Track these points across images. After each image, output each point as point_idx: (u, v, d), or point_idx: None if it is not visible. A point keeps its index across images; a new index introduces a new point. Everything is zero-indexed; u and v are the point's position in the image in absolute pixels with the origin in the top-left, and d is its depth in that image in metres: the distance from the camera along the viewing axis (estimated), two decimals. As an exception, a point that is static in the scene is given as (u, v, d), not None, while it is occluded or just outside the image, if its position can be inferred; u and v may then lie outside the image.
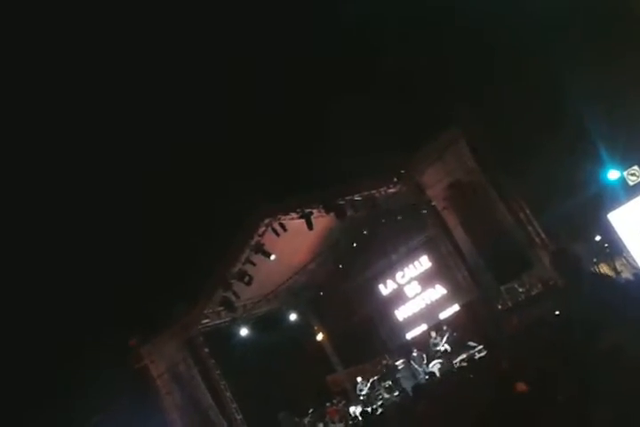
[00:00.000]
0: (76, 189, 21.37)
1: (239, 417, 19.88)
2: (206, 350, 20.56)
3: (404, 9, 17.97)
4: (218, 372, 20.35)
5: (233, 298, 20.15)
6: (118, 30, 20.48)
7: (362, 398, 19.06)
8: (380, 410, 17.94)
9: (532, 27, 15.90)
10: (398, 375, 18.44)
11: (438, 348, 18.01)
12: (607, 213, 15.46)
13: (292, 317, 23.48)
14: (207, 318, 21.01)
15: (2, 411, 19.29)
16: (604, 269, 15.51)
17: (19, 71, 19.90)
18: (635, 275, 14.49)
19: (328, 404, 19.58)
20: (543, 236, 16.27)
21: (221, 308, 20.80)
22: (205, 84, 21.77)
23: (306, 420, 19.15)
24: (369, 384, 19.17)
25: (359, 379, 19.56)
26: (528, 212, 16.43)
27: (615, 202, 15.61)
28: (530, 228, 16.33)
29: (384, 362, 19.69)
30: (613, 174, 15.97)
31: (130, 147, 21.30)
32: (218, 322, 21.37)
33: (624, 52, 15.38)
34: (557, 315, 14.00)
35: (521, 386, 6.00)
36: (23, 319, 20.12)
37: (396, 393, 18.04)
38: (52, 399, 20.02)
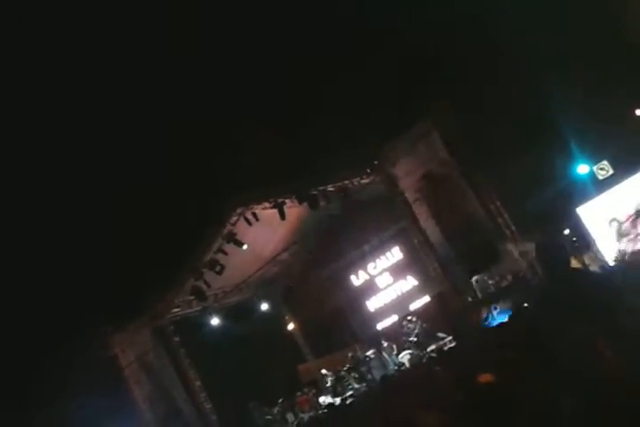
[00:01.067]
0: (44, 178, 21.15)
1: (209, 406, 19.88)
2: (177, 339, 20.51)
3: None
4: (188, 361, 20.31)
5: (204, 287, 20.10)
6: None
7: (331, 388, 19.14)
8: (349, 400, 18.06)
9: (510, 25, 16.00)
10: (368, 366, 18.52)
11: (410, 338, 18.12)
12: (576, 206, 15.69)
13: (264, 306, 23.45)
14: (178, 307, 20.95)
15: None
16: (572, 262, 15.69)
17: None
18: (601, 267, 14.72)
19: (298, 393, 19.62)
20: (513, 228, 16.42)
21: (192, 297, 20.74)
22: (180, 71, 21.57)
23: (276, 409, 19.18)
24: (337, 375, 19.25)
25: (323, 371, 19.61)
26: (499, 204, 16.56)
27: (584, 196, 15.85)
28: (500, 220, 16.46)
29: (354, 352, 19.76)
30: (583, 169, 16.19)
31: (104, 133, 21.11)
32: (189, 311, 21.32)
33: (597, 50, 15.56)
34: (526, 307, 14.22)
35: (486, 377, 6.05)
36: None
37: (365, 384, 18.15)
38: (20, 388, 19.83)
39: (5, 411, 19.32)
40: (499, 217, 16.46)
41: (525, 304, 14.40)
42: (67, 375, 18.43)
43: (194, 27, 20.55)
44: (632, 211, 15.01)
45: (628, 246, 14.94)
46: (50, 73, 20.18)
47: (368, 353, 18.90)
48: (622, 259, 14.71)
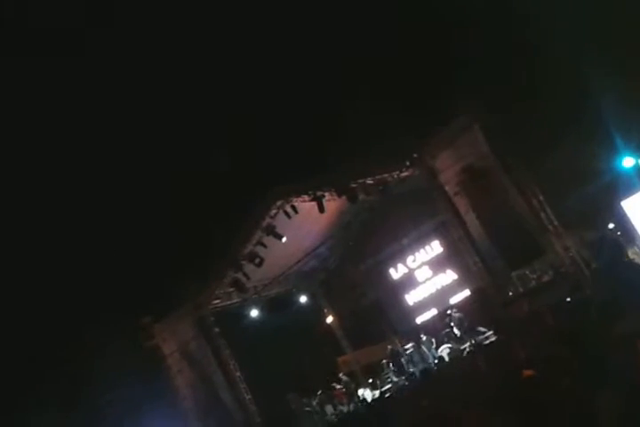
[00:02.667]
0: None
1: (248, 397, 20.06)
2: (217, 329, 20.69)
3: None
4: (228, 352, 20.49)
5: (244, 279, 20.26)
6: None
7: (370, 381, 19.18)
8: (388, 393, 18.09)
9: (552, 17, 15.76)
10: (407, 359, 18.52)
11: (451, 332, 18.04)
12: (621, 200, 15.40)
13: (303, 299, 23.59)
14: (218, 298, 21.14)
15: (14, 388, 19.58)
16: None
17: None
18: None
19: (337, 386, 19.70)
20: (556, 223, 16.20)
21: (232, 289, 20.92)
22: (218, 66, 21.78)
23: (314, 401, 19.30)
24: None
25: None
26: (541, 198, 16.33)
27: (629, 189, 15.53)
28: (543, 214, 16.24)
29: (393, 345, 19.77)
30: (628, 162, 15.86)
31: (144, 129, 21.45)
32: (229, 303, 21.50)
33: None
34: (569, 302, 14.07)
35: (527, 371, 6.02)
36: (39, 296, 20.41)
37: (404, 377, 18.15)
38: (66, 377, 20.31)
39: (53, 402, 19.84)
40: (541, 211, 16.24)
41: (568, 299, 14.26)
42: (111, 364, 18.81)
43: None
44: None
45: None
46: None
47: (407, 346, 18.89)
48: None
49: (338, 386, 19.45)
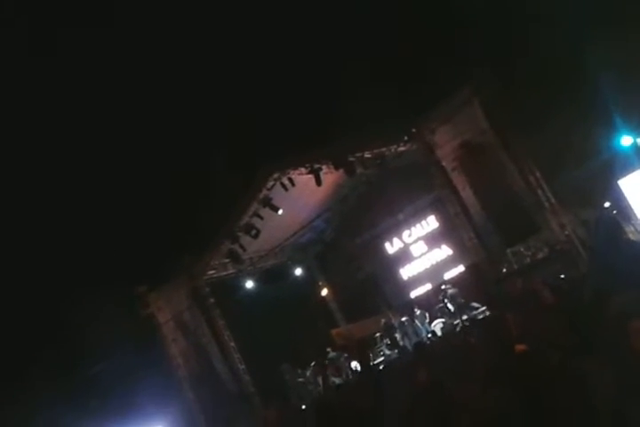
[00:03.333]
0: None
1: (242, 367, 20.26)
2: (212, 300, 20.82)
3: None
4: (222, 322, 20.64)
5: (239, 250, 20.33)
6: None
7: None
8: (380, 366, 18.27)
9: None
10: (400, 333, 18.66)
11: (444, 306, 18.16)
12: (618, 179, 15.40)
13: (298, 271, 23.71)
14: (214, 269, 21.22)
15: (9, 356, 19.77)
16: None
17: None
18: (642, 241, 14.51)
19: (329, 357, 19.86)
20: (553, 200, 16.22)
21: (228, 260, 21.00)
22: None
23: (307, 372, 19.48)
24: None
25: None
26: (538, 175, 16.32)
27: (627, 168, 15.53)
28: (540, 191, 16.25)
29: (387, 319, 19.91)
30: (627, 140, 15.83)
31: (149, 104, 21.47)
32: (224, 274, 21.59)
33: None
34: (562, 278, 14.15)
35: (519, 346, 6.08)
36: (36, 265, 20.54)
37: (397, 350, 18.31)
38: (61, 346, 20.47)
39: (47, 365, 20.00)
40: (538, 188, 16.25)
41: (562, 276, 14.35)
42: (106, 333, 18.94)
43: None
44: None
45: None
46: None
47: (400, 320, 19.02)
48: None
49: (334, 356, 19.58)
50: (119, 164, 21.76)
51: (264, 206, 19.25)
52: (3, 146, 19.92)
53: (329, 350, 19.75)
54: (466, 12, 17.43)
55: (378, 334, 19.55)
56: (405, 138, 18.08)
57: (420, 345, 14.50)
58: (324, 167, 18.47)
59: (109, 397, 19.37)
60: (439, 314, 18.29)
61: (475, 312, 17.26)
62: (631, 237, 14.80)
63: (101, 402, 19.53)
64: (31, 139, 21.04)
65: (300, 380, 19.39)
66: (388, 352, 18.82)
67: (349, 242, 23.46)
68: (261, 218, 19.47)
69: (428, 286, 21.49)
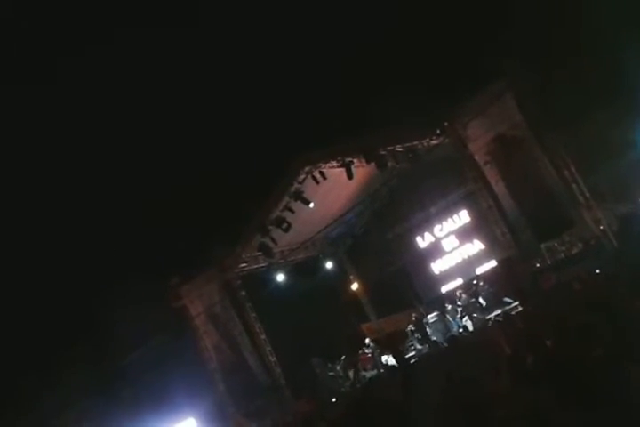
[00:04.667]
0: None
1: (273, 359, 20.37)
2: (243, 293, 20.96)
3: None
4: (254, 315, 20.78)
5: (271, 244, 20.40)
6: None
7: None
8: (412, 360, 18.22)
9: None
10: (432, 328, 18.59)
11: (478, 302, 18.03)
12: (655, 174, 15.15)
13: (329, 265, 23.71)
14: (245, 262, 21.33)
15: (45, 347, 20.15)
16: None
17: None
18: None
19: (360, 351, 19.89)
20: (587, 195, 15.99)
21: (259, 253, 21.08)
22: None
23: (338, 366, 19.51)
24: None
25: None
26: (573, 169, 16.10)
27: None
28: (574, 186, 16.04)
29: (418, 314, 19.85)
30: (662, 136, 15.55)
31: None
32: (255, 267, 21.69)
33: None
34: (597, 274, 13.96)
35: (554, 342, 6.02)
36: (72, 258, 20.88)
37: (428, 345, 18.24)
38: (94, 335, 20.79)
39: (81, 356, 20.33)
40: (573, 183, 16.04)
41: (597, 271, 14.16)
42: (139, 324, 19.16)
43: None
44: None
45: None
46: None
47: (432, 315, 18.95)
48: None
49: (366, 350, 19.57)
50: (155, 159, 21.99)
51: (295, 200, 19.29)
52: (39, 147, 20.31)
53: (367, 342, 19.74)
54: (504, 5, 17.25)
55: (409, 329, 19.50)
56: (438, 131, 17.95)
57: (452, 339, 14.46)
58: (355, 161, 18.43)
59: (142, 388, 19.61)
60: (471, 309, 18.17)
61: (507, 307, 17.11)
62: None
63: (134, 393, 19.79)
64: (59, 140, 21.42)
65: (331, 373, 19.42)
66: (419, 347, 18.76)
67: (380, 236, 23.40)
68: (292, 211, 19.52)
69: (459, 281, 21.35)
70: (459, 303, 18.71)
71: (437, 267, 22.44)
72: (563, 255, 16.36)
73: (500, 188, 17.39)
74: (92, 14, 20.78)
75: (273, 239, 20.27)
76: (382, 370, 18.53)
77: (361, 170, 19.03)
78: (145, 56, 21.72)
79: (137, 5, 20.48)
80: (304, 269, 22.78)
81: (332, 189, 19.68)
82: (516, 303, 16.80)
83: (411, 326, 19.42)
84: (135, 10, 20.66)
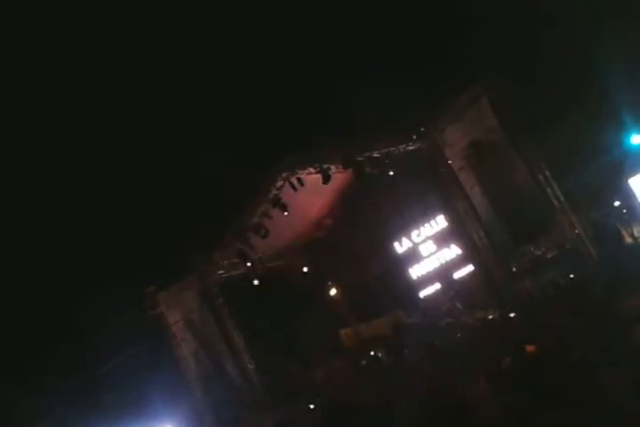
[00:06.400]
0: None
1: (251, 366, 20.28)
2: (221, 300, 20.85)
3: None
4: (232, 322, 20.67)
5: (249, 250, 20.34)
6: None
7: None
8: (390, 366, 18.22)
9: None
10: (409, 332, 18.62)
11: (455, 306, 18.12)
12: (628, 178, 15.35)
13: (306, 271, 23.67)
14: (223, 268, 21.24)
15: (23, 354, 19.90)
16: (625, 237, 15.42)
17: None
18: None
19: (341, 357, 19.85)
20: (562, 199, 16.15)
21: (237, 259, 21.01)
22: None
23: (316, 372, 19.44)
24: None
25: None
26: (548, 174, 16.24)
27: (636, 167, 15.47)
28: (549, 190, 16.18)
29: (396, 319, 19.87)
30: (636, 139, 15.76)
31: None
32: (233, 273, 21.61)
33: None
34: (572, 278, 14.11)
35: (529, 347, 6.08)
36: (47, 266, 20.66)
37: (408, 350, 18.27)
38: (73, 342, 20.59)
39: (59, 363, 20.12)
40: (547, 187, 16.18)
41: (571, 276, 14.30)
42: (116, 332, 19.02)
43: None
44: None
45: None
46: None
47: (410, 320, 18.99)
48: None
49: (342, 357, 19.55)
50: (130, 165, 21.85)
51: (273, 206, 19.27)
52: (23, 150, 20.13)
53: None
54: (476, 11, 17.40)
55: (388, 334, 19.51)
56: (414, 137, 18.05)
57: (430, 345, 14.51)
58: (332, 167, 18.47)
59: (121, 395, 19.46)
60: (449, 313, 18.25)
61: (484, 312, 17.20)
62: (638, 235, 14.77)
63: (112, 400, 19.62)
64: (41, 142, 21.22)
65: (309, 379, 19.37)
66: (395, 352, 18.77)
67: (358, 242, 23.41)
68: (271, 218, 19.50)
69: (437, 286, 21.43)
70: (437, 308, 18.80)
71: (415, 272, 22.48)
72: (538, 259, 16.49)
73: (476, 193, 17.52)
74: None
75: (251, 246, 20.23)
76: (361, 375, 18.53)
77: (338, 176, 19.12)
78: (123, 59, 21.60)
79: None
80: (282, 276, 22.73)
81: (310, 196, 19.70)
82: (493, 308, 16.92)
83: (389, 331, 19.44)
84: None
